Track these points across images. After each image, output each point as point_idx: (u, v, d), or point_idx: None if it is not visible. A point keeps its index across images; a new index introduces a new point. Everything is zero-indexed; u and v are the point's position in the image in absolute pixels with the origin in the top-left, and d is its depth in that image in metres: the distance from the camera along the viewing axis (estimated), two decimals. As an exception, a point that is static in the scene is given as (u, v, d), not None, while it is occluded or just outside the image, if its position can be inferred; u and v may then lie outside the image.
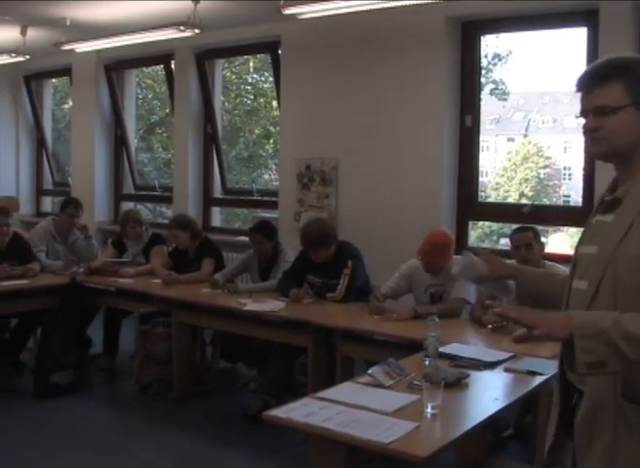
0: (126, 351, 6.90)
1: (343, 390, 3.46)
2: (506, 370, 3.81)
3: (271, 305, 5.41)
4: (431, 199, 6.68)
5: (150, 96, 11.83)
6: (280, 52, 7.83)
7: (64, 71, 10.30)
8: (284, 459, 4.92)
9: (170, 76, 9.06)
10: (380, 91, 6.96)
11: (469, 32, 6.65)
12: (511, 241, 5.17)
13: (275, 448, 5.09)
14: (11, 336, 6.86)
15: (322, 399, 3.28)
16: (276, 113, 9.82)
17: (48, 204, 11.14)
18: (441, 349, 4.01)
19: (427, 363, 3.88)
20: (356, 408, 3.15)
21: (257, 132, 10.90)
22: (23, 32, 7.95)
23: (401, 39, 6.78)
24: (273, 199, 8.05)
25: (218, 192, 8.80)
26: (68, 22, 7.43)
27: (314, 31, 7.26)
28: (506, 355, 3.97)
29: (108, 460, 4.99)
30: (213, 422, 5.61)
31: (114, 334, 6.89)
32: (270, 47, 7.99)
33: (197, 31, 6.64)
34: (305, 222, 5.92)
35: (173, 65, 8.97)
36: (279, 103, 7.93)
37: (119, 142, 9.80)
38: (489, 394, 3.48)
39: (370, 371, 3.55)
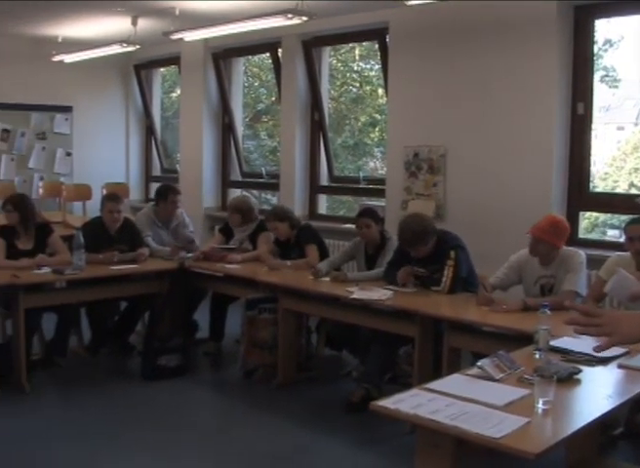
0: (231, 336, 6.99)
1: (452, 382, 3.40)
2: (620, 366, 3.67)
3: (378, 294, 5.36)
4: (541, 188, 6.54)
5: (256, 84, 11.90)
6: (388, 39, 7.76)
7: (173, 60, 10.47)
8: (385, 449, 4.90)
9: (277, 64, 9.10)
10: (490, 77, 6.85)
11: (582, 16, 6.46)
12: (625, 232, 5.00)
13: (377, 437, 5.07)
14: (120, 320, 7.02)
15: (431, 390, 3.23)
16: (382, 101, 9.75)
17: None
18: (552, 343, 3.90)
19: (538, 356, 3.78)
20: (465, 400, 3.09)
21: (362, 119, 10.84)
22: (134, 23, 8.10)
23: (511, 24, 6.64)
24: (380, 187, 8.00)
25: (324, 180, 8.80)
26: (177, 12, 7.52)
27: (422, 18, 7.19)
28: (620, 351, 3.83)
29: (211, 443, 5.06)
30: (315, 410, 5.62)
31: (220, 320, 6.97)
32: (378, 34, 7.94)
33: (305, 19, 6.62)
34: (401, 221, 5.82)
35: (280, 53, 9.00)
36: (386, 91, 7.88)
37: (226, 130, 9.90)
38: (602, 391, 3.37)
39: (479, 364, 3.47)
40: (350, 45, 9.81)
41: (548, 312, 4.00)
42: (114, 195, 7.01)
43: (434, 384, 3.34)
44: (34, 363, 6.30)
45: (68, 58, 9.50)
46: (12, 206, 6.32)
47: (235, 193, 9.82)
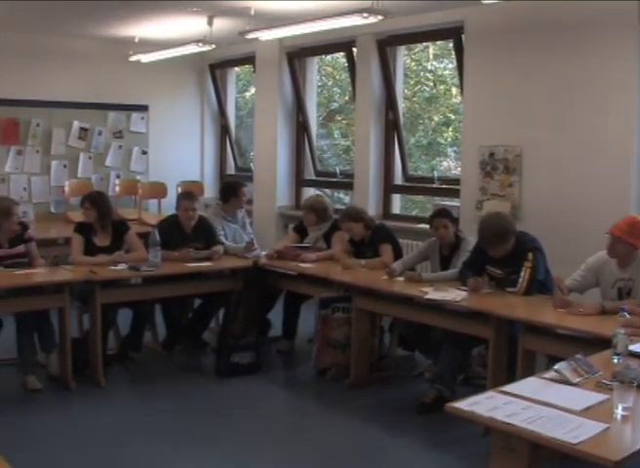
0: (304, 335, 7.01)
1: (529, 385, 3.36)
2: (702, 371, 3.59)
3: (453, 294, 5.33)
4: (620, 189, 6.40)
5: (330, 83, 11.90)
6: (463, 37, 7.70)
7: (248, 59, 10.52)
8: (457, 452, 4.87)
9: (351, 63, 9.09)
10: (569, 77, 6.73)
11: (665, 15, 6.31)
12: None
13: (449, 439, 5.04)
14: (194, 317, 7.10)
15: (507, 393, 3.20)
16: (456, 100, 9.68)
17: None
18: (631, 347, 3.82)
19: (616, 361, 3.70)
20: (542, 404, 3.06)
21: (436, 119, 10.77)
22: (210, 22, 8.15)
23: (592, 22, 6.51)
24: (454, 187, 7.93)
25: (398, 179, 8.76)
26: (253, 12, 7.54)
27: (499, 16, 7.10)
28: (702, 356, 3.76)
29: (282, 441, 5.12)
30: (387, 410, 5.61)
31: (294, 318, 7.00)
32: (453, 33, 7.86)
33: (380, 18, 6.59)
34: (482, 219, 5.77)
35: (354, 52, 8.99)
36: (462, 90, 7.81)
37: (300, 129, 9.92)
38: (684, 397, 3.30)
39: (556, 367, 3.43)
40: (424, 44, 9.75)
41: (627, 316, 3.93)
42: (190, 193, 7.09)
43: (510, 387, 3.30)
44: (110, 358, 6.41)
45: (145, 58, 9.62)
46: (90, 203, 6.43)
47: (309, 192, 9.85)
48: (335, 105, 11.90)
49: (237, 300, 6.56)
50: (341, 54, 9.88)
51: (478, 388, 5.18)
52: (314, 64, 10.09)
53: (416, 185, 8.71)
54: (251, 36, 7.74)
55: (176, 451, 4.84)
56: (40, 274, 6.14)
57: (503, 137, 7.24)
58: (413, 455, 4.86)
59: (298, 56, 9.77)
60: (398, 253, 6.51)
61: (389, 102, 8.67)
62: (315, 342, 6.10)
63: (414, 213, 9.63)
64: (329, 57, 10.97)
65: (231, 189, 7.40)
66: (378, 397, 5.87)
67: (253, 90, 11.70)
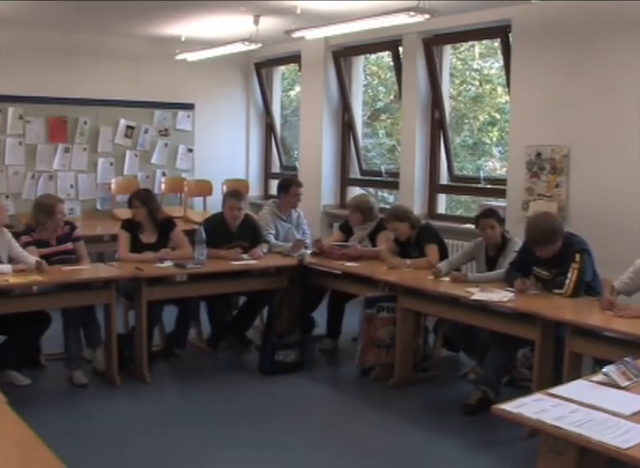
0: (348, 334, 7.01)
1: (576, 388, 3.32)
2: None
3: (499, 295, 5.29)
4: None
5: (375, 82, 11.88)
6: (511, 36, 7.64)
7: (294, 58, 10.53)
8: (502, 454, 4.84)
9: (397, 62, 9.06)
10: (618, 76, 6.65)
11: None
12: None
13: (493, 441, 5.02)
14: (238, 314, 7.13)
15: (554, 395, 3.16)
16: (502, 100, 9.61)
17: (275, 187, 11.41)
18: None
19: (666, 365, 3.66)
20: (590, 407, 3.02)
21: (481, 118, 10.71)
22: (256, 21, 8.17)
23: (641, 22, 6.45)
24: (500, 187, 7.88)
25: (444, 179, 8.73)
26: (299, 10, 7.54)
27: (547, 14, 7.05)
28: None
29: (325, 439, 5.13)
30: (431, 410, 5.59)
31: (338, 317, 7.01)
32: (500, 31, 7.81)
33: (427, 16, 6.57)
34: (530, 218, 5.72)
35: (400, 51, 8.96)
36: (509, 89, 7.76)
37: (346, 128, 9.91)
38: None
39: (605, 370, 3.39)
40: (470, 43, 9.69)
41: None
42: (236, 192, 7.12)
43: (558, 389, 3.27)
44: (155, 354, 6.47)
45: (191, 57, 9.66)
46: (139, 201, 6.48)
47: (354, 191, 9.83)
48: (380, 104, 11.88)
49: (282, 299, 6.59)
50: (386, 53, 9.86)
51: (523, 390, 5.15)
52: (360, 63, 10.08)
53: (461, 185, 8.67)
54: (297, 35, 7.74)
55: (219, 448, 4.87)
56: (87, 270, 6.21)
57: (551, 137, 7.18)
58: (456, 457, 4.83)
59: (343, 54, 9.77)
60: (444, 254, 6.47)
61: (435, 102, 8.63)
62: (359, 341, 6.08)
63: (458, 212, 9.59)
64: (374, 55, 10.95)
65: (281, 186, 7.42)
66: (421, 397, 5.85)
67: (297, 89, 11.71)
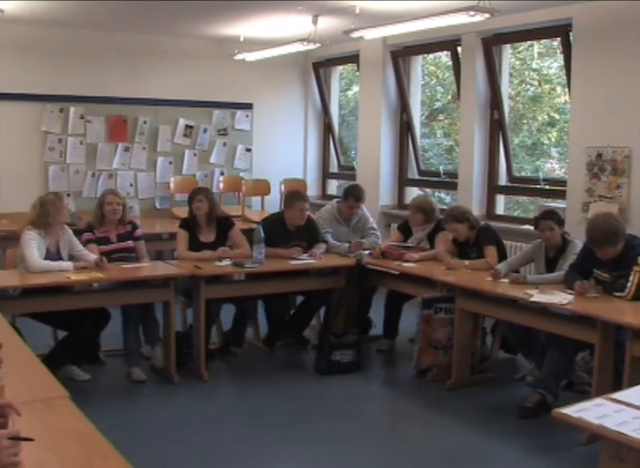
0: (405, 334, 7.00)
1: (639, 393, 3.27)
2: None
3: (559, 298, 5.22)
4: None
5: (433, 82, 11.83)
6: (571, 35, 7.55)
7: (352, 58, 10.53)
8: (559, 458, 4.76)
9: (456, 62, 9.01)
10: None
11: None
12: None
13: (550, 445, 4.94)
14: (296, 313, 7.15)
15: (617, 401, 3.10)
16: (561, 100, 9.51)
17: (333, 187, 11.46)
18: None
19: None
20: (654, 414, 2.97)
21: (539, 119, 10.61)
22: (315, 21, 8.18)
23: None
24: (560, 188, 7.79)
25: (503, 180, 8.65)
26: (358, 10, 7.53)
27: (609, 13, 6.95)
28: None
29: (381, 439, 5.12)
30: (487, 413, 5.55)
31: (395, 317, 6.99)
32: (561, 30, 7.72)
33: (487, 16, 6.52)
34: (591, 219, 5.65)
35: (459, 51, 8.91)
36: (569, 89, 7.67)
37: (404, 128, 9.88)
38: None
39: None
40: (528, 42, 9.60)
41: None
42: (304, 194, 7.19)
43: (620, 394, 3.22)
44: (212, 352, 6.52)
45: (250, 57, 9.70)
46: (203, 196, 6.54)
47: (411, 191, 9.82)
48: (437, 104, 11.82)
49: (339, 298, 6.60)
50: (444, 52, 9.81)
51: (582, 394, 5.13)
52: (418, 63, 10.03)
53: (520, 186, 8.59)
54: (356, 35, 7.74)
55: (274, 447, 4.88)
56: (146, 268, 6.29)
57: (612, 138, 7.07)
58: (513, 460, 4.78)
59: (402, 54, 9.74)
60: (503, 255, 6.42)
61: (494, 102, 8.56)
62: (417, 342, 6.07)
63: (515, 213, 9.51)
64: (431, 55, 10.90)
65: (344, 194, 7.43)
66: (478, 399, 5.81)
67: (355, 88, 11.71)
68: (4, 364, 2.78)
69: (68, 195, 9.17)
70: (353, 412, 5.57)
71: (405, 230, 7.12)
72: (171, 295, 5.96)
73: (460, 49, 8.86)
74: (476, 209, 8.38)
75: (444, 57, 10.52)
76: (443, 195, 10.59)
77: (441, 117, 11.85)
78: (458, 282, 5.94)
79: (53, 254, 5.88)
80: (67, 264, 5.81)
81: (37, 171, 9.57)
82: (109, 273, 5.82)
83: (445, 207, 8.31)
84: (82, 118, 9.72)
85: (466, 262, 6.32)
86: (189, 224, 6.58)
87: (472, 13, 6.39)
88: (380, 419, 5.58)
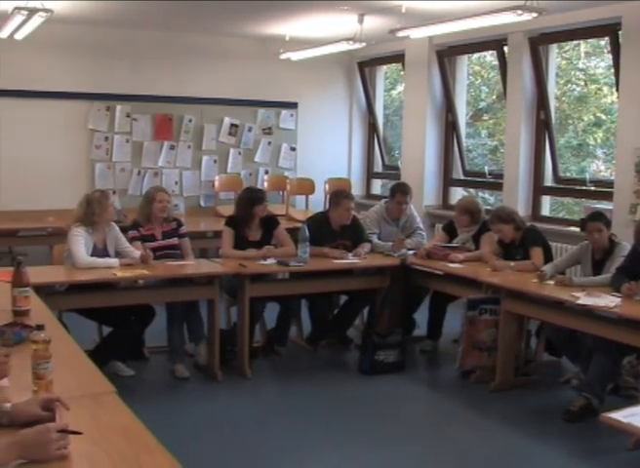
0: (449, 335, 6.96)
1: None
2: None
3: (605, 300, 5.15)
4: None
5: (478, 81, 11.76)
6: (620, 34, 7.46)
7: (397, 57, 10.51)
8: (604, 463, 4.71)
9: (502, 62, 8.94)
10: None
11: None
12: None
13: (596, 450, 4.89)
14: (340, 313, 7.15)
15: (666, 406, 3.07)
16: (607, 100, 9.40)
17: (377, 186, 11.45)
18: None
19: None
20: None
21: (585, 119, 10.50)
22: (360, 20, 8.17)
23: None
24: (607, 190, 7.70)
25: (548, 180, 8.58)
26: (404, 10, 7.51)
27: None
28: None
29: (423, 440, 5.09)
30: (531, 416, 5.48)
31: (439, 318, 6.94)
32: (609, 30, 7.63)
33: (534, 15, 6.46)
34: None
35: (505, 51, 8.85)
36: (617, 89, 7.58)
37: (449, 128, 9.84)
38: None
39: None
40: (575, 42, 9.51)
41: None
42: (350, 193, 7.19)
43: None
44: (256, 350, 6.53)
45: (295, 56, 9.72)
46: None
47: (456, 192, 9.79)
48: (482, 104, 11.75)
49: (383, 298, 6.58)
50: (489, 52, 9.74)
51: (628, 399, 5.06)
52: (464, 63, 9.99)
53: (566, 187, 8.50)
54: (402, 34, 7.71)
55: (317, 446, 4.90)
56: (191, 266, 6.31)
57: (662, 139, 7.00)
58: (558, 464, 4.73)
59: (447, 54, 9.70)
60: (549, 257, 6.35)
61: (540, 102, 8.50)
62: (461, 343, 6.03)
63: (560, 215, 9.42)
64: (476, 55, 10.84)
65: (390, 192, 7.42)
66: (522, 402, 5.76)
67: (399, 88, 11.69)
68: (53, 358, 2.81)
69: (114, 193, 9.25)
70: (396, 413, 5.56)
71: (450, 231, 7.08)
72: (216, 293, 5.98)
73: (506, 48, 8.79)
74: (521, 210, 8.30)
75: (489, 56, 10.45)
76: (487, 196, 10.52)
77: (485, 117, 11.77)
78: (503, 283, 5.89)
79: (100, 251, 5.93)
80: (114, 261, 5.86)
81: (84, 168, 9.68)
82: (155, 270, 5.86)
83: (489, 207, 8.26)
84: (128, 116, 9.82)
85: (512, 263, 6.26)
86: (236, 222, 6.59)
87: (520, 12, 6.34)
88: (424, 420, 5.56)
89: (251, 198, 6.59)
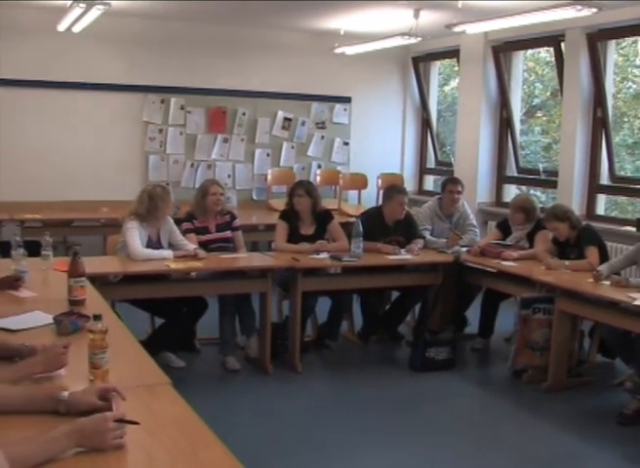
0: (500, 334, 6.92)
1: None
2: None
3: (662, 301, 5.08)
4: None
5: (532, 78, 11.63)
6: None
7: (452, 53, 10.43)
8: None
9: (559, 58, 8.83)
10: None
11: None
12: None
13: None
14: (391, 309, 7.15)
15: None
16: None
17: (430, 182, 11.38)
18: None
19: None
20: None
21: (642, 118, 10.35)
22: (416, 15, 8.13)
23: None
24: (665, 189, 7.59)
25: (604, 179, 8.46)
26: (460, 5, 7.44)
27: None
28: None
29: (473, 439, 5.06)
30: (584, 418, 5.40)
31: (491, 316, 6.87)
32: (669, 26, 7.51)
33: (594, 10, 6.37)
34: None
35: (562, 47, 8.73)
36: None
37: (504, 124, 9.76)
38: None
39: None
40: (632, 38, 9.35)
41: None
42: (403, 188, 7.15)
43: None
44: (307, 344, 6.54)
45: (350, 51, 9.70)
46: (304, 191, 6.54)
47: (509, 189, 9.71)
48: (536, 101, 11.62)
49: (436, 295, 6.55)
50: (544, 48, 9.62)
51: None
52: (519, 59, 9.88)
53: (623, 186, 8.37)
54: (458, 29, 7.66)
55: (365, 442, 4.87)
56: (244, 259, 6.33)
57: None
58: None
59: (503, 50, 9.61)
60: (604, 256, 6.26)
61: (597, 99, 8.38)
62: (513, 342, 5.98)
63: (613, 214, 9.29)
64: (530, 51, 10.71)
65: (441, 185, 7.39)
66: (574, 403, 5.68)
67: (452, 83, 11.60)
68: (108, 349, 2.83)
69: (167, 184, 9.30)
70: (446, 410, 5.52)
71: (504, 228, 7.01)
72: (268, 287, 5.99)
73: (563, 44, 8.68)
74: (576, 208, 8.18)
75: (543, 52, 10.32)
76: (539, 194, 10.41)
77: (539, 114, 11.64)
78: (557, 282, 5.81)
79: (153, 243, 5.97)
80: (168, 253, 5.90)
81: (138, 160, 9.77)
82: (208, 263, 5.89)
83: (541, 206, 8.17)
84: (182, 109, 9.88)
85: (566, 263, 6.18)
86: (289, 216, 6.59)
87: (579, 7, 6.27)
88: (474, 418, 5.50)
89: (291, 189, 6.68)
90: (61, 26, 8.31)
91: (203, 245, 6.22)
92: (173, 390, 2.81)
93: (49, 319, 3.59)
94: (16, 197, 8.72)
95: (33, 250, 5.18)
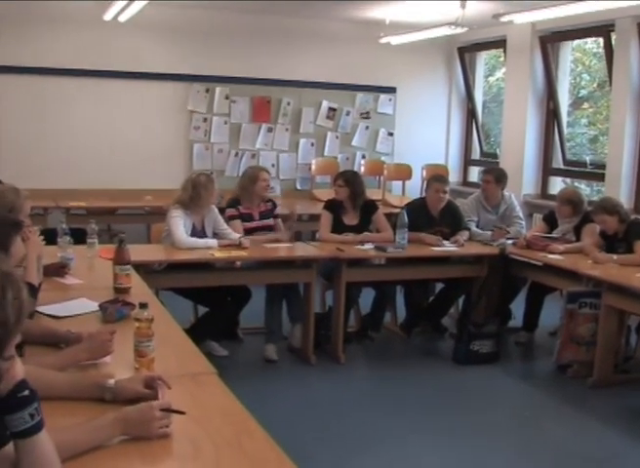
0: (545, 327, 6.85)
1: None
2: None
3: None
4: None
5: (579, 68, 11.49)
6: None
7: (498, 43, 10.31)
8: None
9: (608, 48, 8.69)
10: None
11: None
12: None
13: None
14: (435, 301, 7.10)
15: None
16: None
17: (475, 174, 11.28)
18: None
19: None
20: None
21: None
22: (463, 5, 8.04)
23: None
24: None
25: (654, 173, 8.34)
26: (510, -6, 7.38)
27: None
28: None
29: (516, 434, 5.03)
30: (629, 414, 5.35)
31: (536, 310, 6.81)
32: None
33: (647, -1, 6.27)
34: None
35: (612, 37, 8.60)
36: None
37: (550, 116, 9.64)
38: None
39: None
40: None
41: None
42: (441, 176, 7.15)
43: None
44: (350, 335, 6.53)
45: (395, 41, 9.62)
46: (343, 181, 6.53)
47: (555, 181, 9.59)
48: (582, 92, 11.48)
49: (481, 288, 6.50)
50: (591, 39, 9.48)
51: None
52: (567, 49, 9.74)
53: (671, 179, 8.24)
54: (505, 19, 7.57)
55: (406, 435, 4.85)
56: (289, 249, 6.33)
57: None
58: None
59: (551, 40, 9.47)
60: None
61: (648, 91, 8.24)
62: (559, 337, 5.92)
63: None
64: (577, 41, 10.57)
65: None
66: (620, 400, 5.61)
67: (497, 74, 11.50)
68: (154, 337, 2.83)
69: (212, 173, 9.33)
70: (491, 404, 5.49)
71: (550, 221, 6.92)
72: (312, 277, 5.98)
73: (612, 34, 8.54)
74: (624, 202, 8.01)
75: (590, 43, 10.18)
76: (584, 186, 10.29)
77: (585, 105, 11.50)
78: (605, 277, 5.72)
79: (198, 232, 5.98)
80: (212, 241, 5.91)
81: (182, 149, 9.80)
82: (252, 252, 5.89)
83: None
84: (227, 98, 9.90)
85: (614, 257, 6.08)
86: (334, 206, 6.58)
87: (633, -4, 6.15)
88: (517, 413, 5.45)
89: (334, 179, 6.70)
90: (108, 16, 8.35)
91: (247, 232, 6.24)
92: (218, 379, 2.81)
93: (94, 306, 3.62)
94: (61, 185, 8.77)
95: (78, 237, 5.21)
